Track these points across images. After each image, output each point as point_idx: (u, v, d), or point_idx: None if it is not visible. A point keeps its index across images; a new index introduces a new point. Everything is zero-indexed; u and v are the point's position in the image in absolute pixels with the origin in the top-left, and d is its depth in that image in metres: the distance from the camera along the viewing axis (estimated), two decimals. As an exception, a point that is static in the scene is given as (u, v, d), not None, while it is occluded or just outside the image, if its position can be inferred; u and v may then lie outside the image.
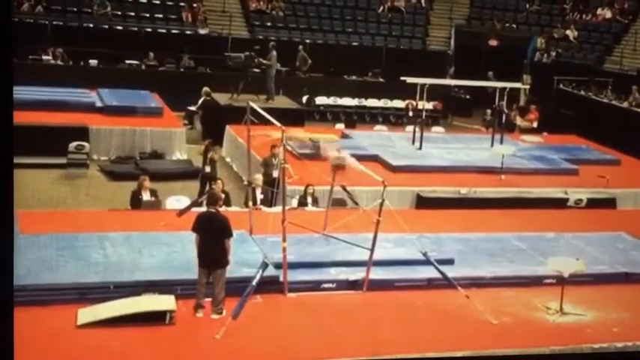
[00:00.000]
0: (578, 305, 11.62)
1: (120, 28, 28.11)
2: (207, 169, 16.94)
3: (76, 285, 10.60)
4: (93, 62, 26.04)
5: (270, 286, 11.07)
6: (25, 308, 10.03)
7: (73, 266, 11.11)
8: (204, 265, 10.45)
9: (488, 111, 24.69)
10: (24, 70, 24.64)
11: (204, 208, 11.08)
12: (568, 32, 31.90)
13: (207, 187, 16.53)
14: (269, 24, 30.27)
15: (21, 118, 19.00)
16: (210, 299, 10.49)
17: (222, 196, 13.94)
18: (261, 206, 15.01)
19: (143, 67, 26.74)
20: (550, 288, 12.05)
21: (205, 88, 23.72)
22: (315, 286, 11.55)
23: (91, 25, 27.67)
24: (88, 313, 10.02)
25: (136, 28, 28.21)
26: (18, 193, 15.68)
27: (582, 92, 27.74)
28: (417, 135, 20.29)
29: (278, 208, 12.86)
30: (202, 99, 23.47)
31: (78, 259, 11.38)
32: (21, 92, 21.18)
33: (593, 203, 17.57)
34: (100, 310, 10.06)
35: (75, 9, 28.04)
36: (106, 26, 27.81)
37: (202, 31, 28.94)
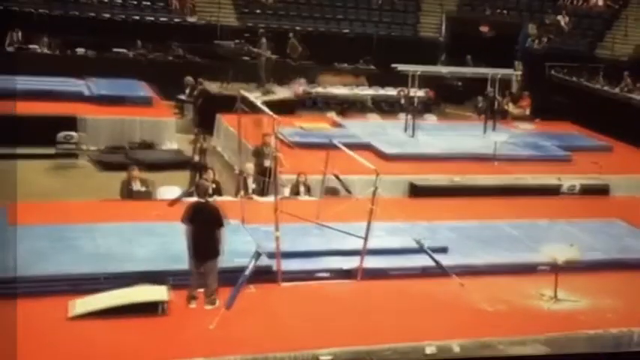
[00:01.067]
0: (572, 292, 11.60)
1: (107, 16, 27.84)
2: (197, 158, 16.83)
3: (67, 276, 10.53)
4: (80, 51, 25.84)
5: (263, 275, 11.03)
6: (17, 300, 10.00)
7: (65, 257, 11.03)
8: (197, 255, 10.36)
9: (480, 98, 24.61)
10: (11, 58, 24.56)
11: (195, 198, 10.98)
12: (559, 18, 31.81)
13: (198, 177, 16.45)
14: (258, 11, 30.08)
15: (9, 108, 19.02)
16: (202, 290, 10.40)
17: (211, 186, 13.89)
18: (254, 195, 14.91)
19: (131, 55, 26.51)
20: (544, 275, 12.01)
21: (188, 77, 23.59)
22: (309, 275, 11.51)
23: (78, 14, 27.39)
24: (80, 305, 9.95)
25: (123, 17, 27.97)
26: (7, 184, 15.55)
27: (574, 79, 27.69)
28: (410, 123, 20.21)
29: (270, 198, 12.77)
30: (189, 87, 23.34)
31: (69, 250, 11.31)
32: (8, 82, 21.07)
33: (587, 190, 17.52)
34: (92, 302, 9.99)
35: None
36: (93, 14, 27.54)
37: (191, 19, 28.74)
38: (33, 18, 26.37)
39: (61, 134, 18.42)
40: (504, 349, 10.05)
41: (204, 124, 22.01)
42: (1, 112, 18.77)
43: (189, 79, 23.61)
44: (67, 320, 9.74)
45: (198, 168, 16.72)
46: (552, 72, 28.41)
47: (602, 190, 17.68)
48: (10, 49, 25.25)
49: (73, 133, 18.67)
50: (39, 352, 9.09)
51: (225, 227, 10.55)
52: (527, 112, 26.08)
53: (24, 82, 21.05)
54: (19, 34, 25.34)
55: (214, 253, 10.37)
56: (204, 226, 10.36)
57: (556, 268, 11.53)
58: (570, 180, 17.78)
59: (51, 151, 18.36)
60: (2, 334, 9.07)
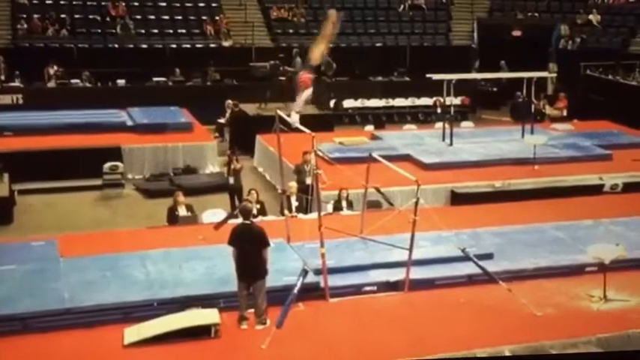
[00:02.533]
0: (621, 291, 11.57)
1: (145, 46, 28.34)
2: (232, 180, 17.01)
3: (120, 304, 10.71)
4: (121, 82, 26.32)
5: (311, 292, 11.17)
6: (71, 331, 10.26)
7: (116, 286, 11.23)
8: (244, 277, 10.52)
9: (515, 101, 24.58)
10: (54, 94, 25.10)
11: (240, 220, 11.15)
12: (591, 17, 31.64)
13: (236, 198, 16.65)
14: (291, 31, 30.32)
15: (54, 142, 19.47)
16: (252, 310, 10.57)
17: (255, 206, 14.05)
18: (297, 213, 15.07)
19: (170, 83, 26.97)
20: (592, 276, 12.00)
21: (228, 101, 23.86)
22: (357, 289, 11.59)
23: (116, 46, 27.94)
24: (134, 332, 10.14)
25: (160, 46, 28.44)
26: (57, 217, 16.00)
27: (610, 77, 27.49)
28: (447, 131, 20.24)
29: (314, 215, 12.90)
30: (229, 110, 23.61)
31: (120, 278, 11.50)
32: (52, 117, 21.55)
33: (630, 187, 17.41)
34: (145, 328, 10.18)
35: (99, 30, 28.33)
36: (131, 46, 28.07)
37: (226, 44, 29.09)
38: (73, 53, 26.89)
39: (107, 165, 18.71)
40: (556, 353, 10.03)
41: (244, 145, 22.30)
42: (49, 147, 19.24)
43: (229, 102, 23.89)
44: (123, 348, 9.93)
45: (235, 190, 16.91)
46: (587, 71, 28.21)
47: (645, 187, 17.56)
48: (50, 84, 25.81)
49: (119, 164, 18.97)
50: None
51: (270, 247, 10.71)
52: (565, 113, 25.96)
53: (68, 116, 21.53)
54: (54, 67, 25.84)
55: (262, 273, 10.51)
56: (250, 247, 10.51)
57: (603, 268, 11.50)
58: (612, 178, 17.70)
59: (98, 182, 18.67)
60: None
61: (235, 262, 10.59)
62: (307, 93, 12.54)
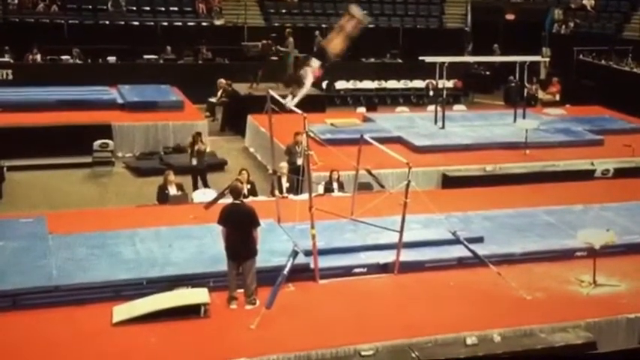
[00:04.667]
0: (611, 276, 11.60)
1: (136, 23, 28.16)
2: (194, 161, 16.92)
3: (109, 283, 10.68)
4: (111, 59, 26.15)
5: (301, 273, 11.15)
6: (60, 308, 10.25)
7: (106, 264, 11.20)
8: (234, 256, 10.50)
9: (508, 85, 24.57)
10: (44, 70, 24.94)
11: (230, 200, 11.10)
12: (585, 2, 31.60)
13: (200, 180, 16.57)
14: (284, 11, 30.20)
15: (44, 119, 19.39)
16: (242, 290, 10.55)
17: (246, 186, 14.01)
18: (288, 194, 15.03)
19: (161, 61, 26.83)
20: (582, 260, 12.04)
21: (221, 80, 23.75)
22: (347, 271, 11.59)
23: (107, 22, 27.74)
24: (124, 311, 10.11)
25: (152, 23, 28.27)
26: (47, 194, 15.95)
27: (603, 62, 27.49)
28: (439, 114, 20.22)
29: (304, 196, 12.88)
30: (222, 90, 23.51)
31: (109, 256, 11.47)
32: (42, 93, 21.44)
33: (621, 173, 17.46)
34: (134, 307, 10.14)
35: (90, 6, 28.12)
36: (122, 22, 27.86)
37: (218, 22, 28.94)
38: (64, 29, 26.70)
39: (97, 142, 18.65)
40: (545, 337, 10.06)
41: (235, 125, 22.23)
42: (39, 123, 19.13)
43: (221, 81, 23.78)
44: (111, 326, 9.90)
45: (197, 170, 16.85)
46: (580, 56, 28.21)
47: (636, 173, 17.57)
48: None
49: (109, 141, 18.90)
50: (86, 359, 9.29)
51: (261, 226, 10.69)
52: (557, 97, 25.96)
53: (58, 93, 21.42)
54: (35, 51, 25.63)
55: (252, 253, 10.49)
56: (240, 226, 10.48)
57: (593, 253, 11.52)
58: (603, 164, 17.73)
59: (87, 159, 18.60)
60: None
61: (225, 242, 10.57)
62: (308, 86, 12.48)
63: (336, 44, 12.94)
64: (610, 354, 10.00)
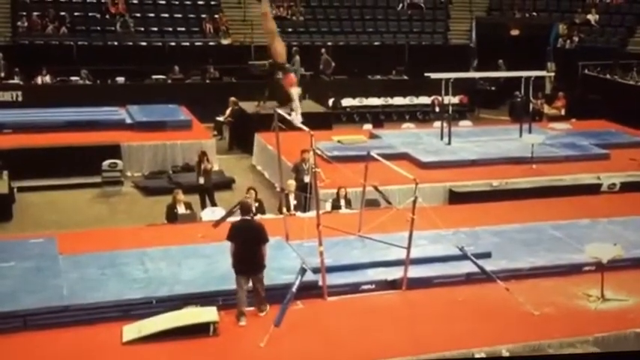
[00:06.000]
0: (619, 291, 11.60)
1: (144, 44, 28.38)
2: (202, 180, 17.00)
3: (119, 302, 10.75)
4: (120, 80, 26.34)
5: (309, 291, 11.20)
6: (70, 328, 10.31)
7: (115, 284, 11.27)
8: (244, 271, 10.60)
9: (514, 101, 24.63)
10: (53, 91, 25.13)
11: (238, 218, 11.20)
12: (589, 16, 31.69)
13: (208, 199, 16.65)
14: (290, 29, 30.34)
15: (53, 139, 19.52)
16: (251, 308, 10.64)
17: (254, 204, 14.09)
18: (296, 212, 15.10)
19: (169, 81, 26.99)
20: (589, 275, 12.05)
21: (232, 98, 23.89)
22: (355, 288, 11.63)
23: (116, 44, 27.97)
24: (133, 330, 10.17)
25: (160, 43, 28.48)
26: (57, 214, 16.01)
27: (608, 76, 27.54)
28: (445, 130, 20.28)
29: (312, 213, 12.95)
30: (230, 108, 23.65)
31: (119, 276, 11.54)
32: (51, 114, 21.59)
33: (627, 187, 17.46)
34: (144, 326, 10.21)
35: (99, 28, 28.36)
36: (131, 43, 28.08)
37: (225, 42, 29.13)
38: (73, 51, 26.92)
39: (106, 162, 18.74)
40: (554, 352, 10.07)
41: (242, 143, 22.32)
42: (48, 144, 19.27)
43: (233, 99, 23.92)
44: (121, 345, 9.96)
45: (205, 189, 16.94)
46: (585, 71, 28.26)
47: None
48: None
49: (118, 161, 19.00)
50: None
51: (269, 242, 10.82)
52: (563, 112, 26.00)
53: (67, 114, 21.56)
54: (44, 72, 25.85)
55: (261, 268, 10.67)
56: (251, 242, 10.63)
57: (601, 268, 11.53)
58: (610, 178, 17.76)
59: (97, 179, 18.70)
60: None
61: (234, 257, 10.67)
62: (297, 91, 12.65)
63: (276, 48, 13.25)
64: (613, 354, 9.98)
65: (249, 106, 23.54)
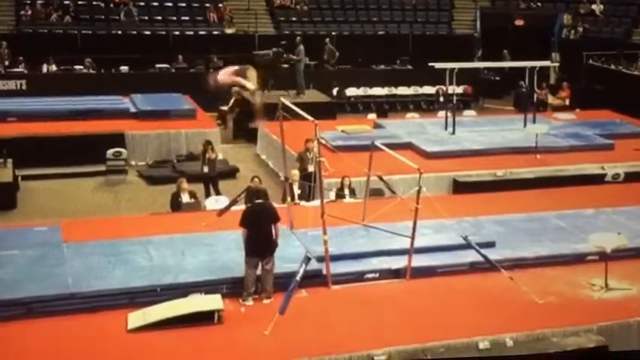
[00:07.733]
0: (622, 280, 11.62)
1: (148, 33, 28.34)
2: (206, 169, 17.01)
3: (124, 290, 10.79)
4: (124, 69, 26.35)
5: (314, 279, 11.24)
6: (75, 316, 10.35)
7: (120, 272, 11.30)
8: (259, 254, 10.77)
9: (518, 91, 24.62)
10: (57, 80, 25.13)
11: (242, 206, 11.27)
12: (594, 7, 31.62)
13: (210, 188, 16.67)
14: (294, 19, 30.34)
15: (57, 128, 19.54)
16: (258, 295, 10.76)
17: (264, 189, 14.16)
18: (300, 201, 15.12)
19: (173, 70, 26.98)
20: (593, 264, 12.05)
21: (235, 88, 23.84)
22: (359, 276, 11.66)
23: (120, 32, 27.95)
24: (138, 317, 10.21)
25: (164, 32, 28.45)
26: (61, 203, 16.04)
27: (612, 66, 27.49)
28: (450, 120, 20.27)
29: (316, 202, 12.96)
30: (234, 98, 23.62)
31: (124, 264, 11.57)
32: (56, 103, 21.60)
33: (631, 177, 17.46)
34: (149, 314, 10.25)
35: (103, 17, 28.35)
36: (135, 32, 28.07)
37: (229, 31, 29.08)
38: (77, 39, 26.92)
39: (110, 151, 18.77)
40: (558, 341, 10.10)
41: (247, 132, 22.31)
42: (52, 133, 19.30)
43: (236, 89, 23.88)
44: (126, 333, 10.01)
45: (209, 178, 16.95)
46: (590, 61, 28.20)
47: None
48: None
49: (122, 150, 19.02)
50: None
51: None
52: (567, 102, 25.98)
53: (71, 103, 21.57)
54: (51, 60, 25.90)
55: (276, 247, 10.91)
56: (266, 223, 10.87)
57: (605, 257, 11.54)
58: (614, 168, 17.77)
59: (101, 168, 18.74)
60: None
61: (250, 241, 10.79)
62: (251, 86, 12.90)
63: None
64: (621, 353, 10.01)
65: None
